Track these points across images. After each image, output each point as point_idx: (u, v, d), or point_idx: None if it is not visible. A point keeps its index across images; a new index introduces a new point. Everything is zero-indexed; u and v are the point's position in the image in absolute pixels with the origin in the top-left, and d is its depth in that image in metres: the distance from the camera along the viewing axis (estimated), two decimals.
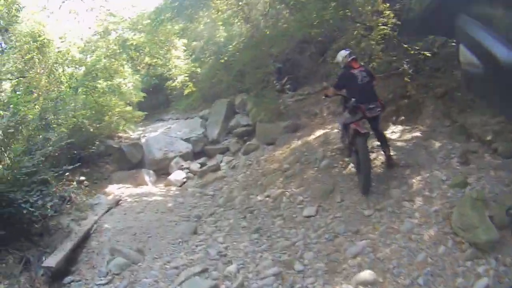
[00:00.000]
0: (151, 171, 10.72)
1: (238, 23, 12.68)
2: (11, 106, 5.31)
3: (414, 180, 4.93)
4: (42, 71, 7.58)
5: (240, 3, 10.99)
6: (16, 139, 5.67)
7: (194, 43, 16.19)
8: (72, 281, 5.17)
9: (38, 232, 5.81)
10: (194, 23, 11.82)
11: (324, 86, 9.88)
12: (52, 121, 6.66)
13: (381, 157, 5.70)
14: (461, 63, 1.19)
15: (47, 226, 5.99)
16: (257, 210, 6.08)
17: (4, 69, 6.91)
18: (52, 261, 5.17)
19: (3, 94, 5.58)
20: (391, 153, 5.45)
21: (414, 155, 5.47)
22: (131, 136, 12.74)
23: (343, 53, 5.54)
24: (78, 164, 7.23)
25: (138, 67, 13.21)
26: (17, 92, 5.71)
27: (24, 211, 5.07)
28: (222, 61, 9.27)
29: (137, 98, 12.73)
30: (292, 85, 11.26)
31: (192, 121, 14.46)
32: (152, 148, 11.53)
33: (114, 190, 9.14)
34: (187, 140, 12.17)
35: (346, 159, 6.17)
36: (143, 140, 12.27)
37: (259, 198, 6.45)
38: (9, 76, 6.84)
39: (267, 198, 6.29)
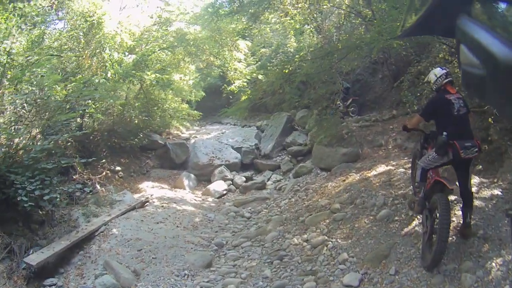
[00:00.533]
0: (192, 175, 9.95)
1: (310, 33, 11.52)
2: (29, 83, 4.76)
3: (493, 264, 3.50)
4: (88, 52, 7.18)
5: (312, 7, 9.80)
6: (39, 118, 5.14)
7: (263, 49, 15.34)
8: (54, 285, 4.50)
9: (39, 220, 5.23)
10: (258, 23, 10.86)
11: (393, 115, 8.56)
12: (85, 105, 6.11)
13: (455, 219, 4.12)
14: (461, 64, 0.98)
15: (51, 215, 5.39)
16: (289, 257, 4.79)
17: (55, 45, 6.60)
18: (35, 258, 4.51)
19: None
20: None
21: (494, 224, 3.97)
22: (181, 135, 12.18)
23: (438, 71, 4.10)
24: (93, 158, 6.70)
25: (201, 65, 12.58)
26: (43, 69, 5.21)
27: (18, 198, 4.42)
28: (286, 71, 8.13)
29: (196, 97, 12.11)
30: (357, 108, 9.99)
31: (248, 130, 13.58)
32: (198, 152, 10.80)
33: (147, 188, 8.49)
34: (237, 149, 11.25)
35: (411, 214, 4.67)
36: (192, 141, 11.65)
37: (295, 240, 5.15)
38: (57, 53, 6.49)
39: (305, 243, 4.97)
